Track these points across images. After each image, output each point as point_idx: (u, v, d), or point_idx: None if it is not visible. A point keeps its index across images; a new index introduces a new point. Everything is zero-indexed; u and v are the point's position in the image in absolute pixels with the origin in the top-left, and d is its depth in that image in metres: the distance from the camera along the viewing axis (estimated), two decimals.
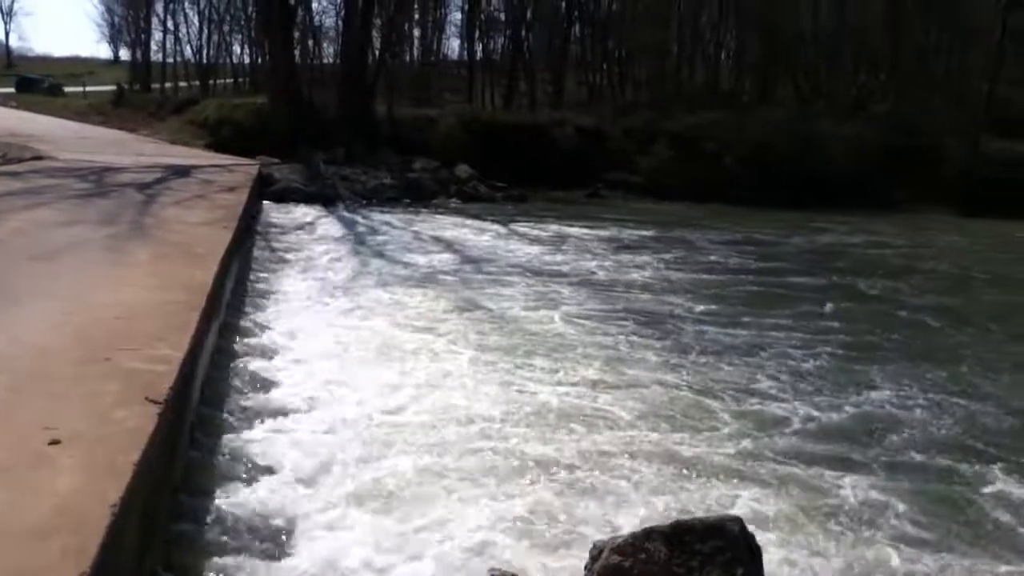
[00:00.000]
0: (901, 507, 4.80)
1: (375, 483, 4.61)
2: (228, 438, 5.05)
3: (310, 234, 14.89)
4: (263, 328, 7.70)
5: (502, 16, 41.75)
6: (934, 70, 33.38)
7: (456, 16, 44.96)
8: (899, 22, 33.57)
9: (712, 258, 14.65)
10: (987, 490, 5.14)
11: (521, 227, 17.38)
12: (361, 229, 16.04)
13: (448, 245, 14.39)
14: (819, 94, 33.23)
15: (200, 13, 47.45)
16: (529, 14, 39.57)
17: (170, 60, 48.41)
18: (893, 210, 25.16)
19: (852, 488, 5.01)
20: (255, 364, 6.56)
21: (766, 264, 14.29)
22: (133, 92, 40.17)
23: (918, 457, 5.63)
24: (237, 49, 48.97)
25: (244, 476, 4.60)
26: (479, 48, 41.61)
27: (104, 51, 67.26)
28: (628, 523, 4.24)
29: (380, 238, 14.94)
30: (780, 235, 18.48)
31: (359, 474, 4.71)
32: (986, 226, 22.44)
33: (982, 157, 27.17)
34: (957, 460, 5.56)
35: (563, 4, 39.50)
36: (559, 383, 6.70)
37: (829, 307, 10.52)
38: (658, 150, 28.43)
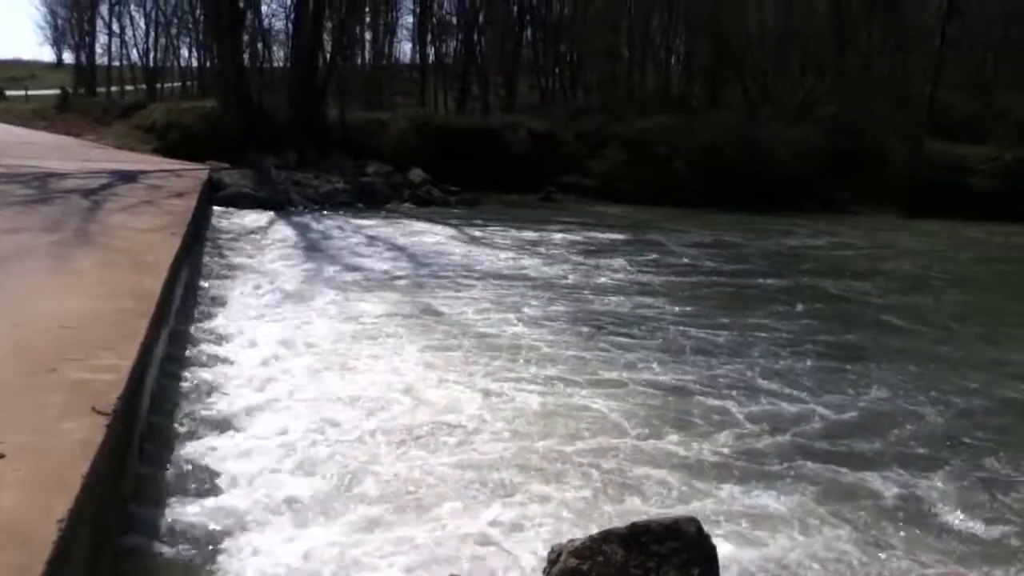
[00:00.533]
0: (906, 505, 4.87)
1: (329, 492, 4.57)
2: (179, 448, 4.98)
3: (262, 240, 14.71)
4: (214, 336, 7.60)
5: (454, 20, 41.70)
6: (877, 73, 34.05)
7: (408, 19, 44.81)
8: (843, 26, 34.24)
9: (683, 260, 14.68)
10: (986, 485, 5.21)
11: (476, 231, 17.37)
12: (313, 234, 15.89)
13: (403, 250, 14.32)
14: (767, 98, 33.70)
15: (146, 15, 46.40)
16: (481, 18, 39.56)
17: (116, 63, 47.32)
18: (840, 212, 25.68)
19: (853, 485, 5.08)
20: (206, 372, 6.47)
21: (736, 266, 14.38)
22: (78, 96, 39.27)
23: (921, 451, 5.74)
24: (185, 52, 48.04)
25: (195, 487, 4.53)
26: (431, 51, 41.46)
27: (47, 54, 65.75)
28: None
29: (333, 243, 14.82)
30: (745, 238, 18.63)
31: (313, 483, 4.66)
32: (938, 227, 22.92)
33: (925, 160, 27.82)
34: (951, 454, 5.68)
35: (515, 8, 39.54)
36: (526, 380, 6.72)
37: (800, 307, 10.67)
38: (610, 154, 28.62)
